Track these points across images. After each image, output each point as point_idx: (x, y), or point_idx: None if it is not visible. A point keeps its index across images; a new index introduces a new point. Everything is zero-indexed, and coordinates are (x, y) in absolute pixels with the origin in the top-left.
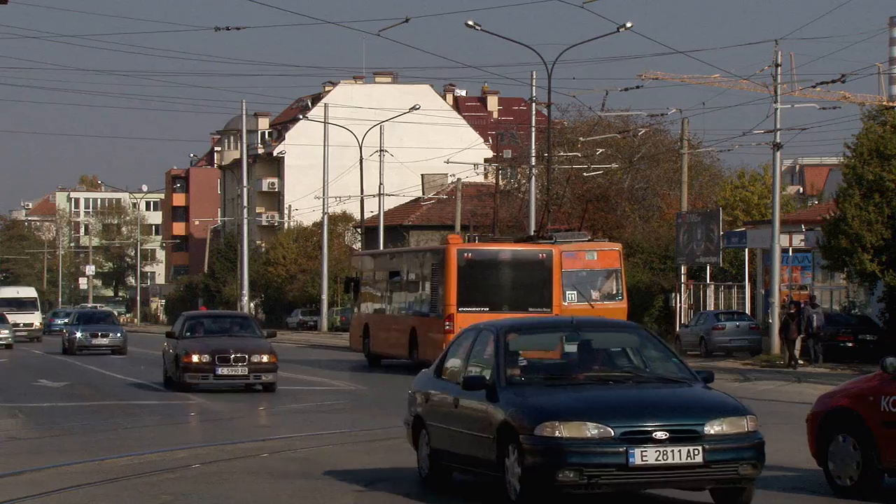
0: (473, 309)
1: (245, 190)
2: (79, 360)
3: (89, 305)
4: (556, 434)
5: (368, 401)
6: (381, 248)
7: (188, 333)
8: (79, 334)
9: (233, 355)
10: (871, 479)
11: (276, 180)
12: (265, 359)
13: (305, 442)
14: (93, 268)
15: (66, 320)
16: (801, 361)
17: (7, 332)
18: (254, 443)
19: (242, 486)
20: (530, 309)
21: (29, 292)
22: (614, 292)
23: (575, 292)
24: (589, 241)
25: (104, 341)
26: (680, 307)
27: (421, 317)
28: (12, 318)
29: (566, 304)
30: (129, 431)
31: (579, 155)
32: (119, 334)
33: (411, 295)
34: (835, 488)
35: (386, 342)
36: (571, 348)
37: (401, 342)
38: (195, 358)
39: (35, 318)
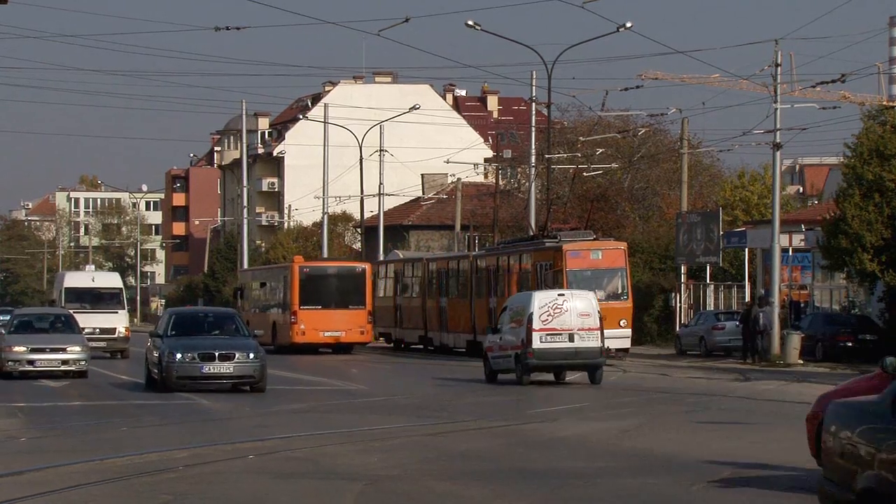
0: (311, 307)
1: (245, 190)
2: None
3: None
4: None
5: (368, 401)
6: (381, 249)
7: None
8: (179, 355)
9: None
10: None
11: (276, 180)
12: None
13: (305, 442)
14: (93, 267)
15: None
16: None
17: (78, 349)
18: (254, 443)
19: (242, 486)
20: (350, 306)
21: (109, 280)
22: (619, 291)
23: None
24: (594, 240)
25: (226, 368)
26: (680, 307)
27: (278, 314)
28: (84, 320)
29: None
30: (129, 431)
31: (579, 155)
32: (251, 354)
33: (273, 299)
34: None
35: None
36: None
37: (267, 332)
38: None
39: (119, 321)
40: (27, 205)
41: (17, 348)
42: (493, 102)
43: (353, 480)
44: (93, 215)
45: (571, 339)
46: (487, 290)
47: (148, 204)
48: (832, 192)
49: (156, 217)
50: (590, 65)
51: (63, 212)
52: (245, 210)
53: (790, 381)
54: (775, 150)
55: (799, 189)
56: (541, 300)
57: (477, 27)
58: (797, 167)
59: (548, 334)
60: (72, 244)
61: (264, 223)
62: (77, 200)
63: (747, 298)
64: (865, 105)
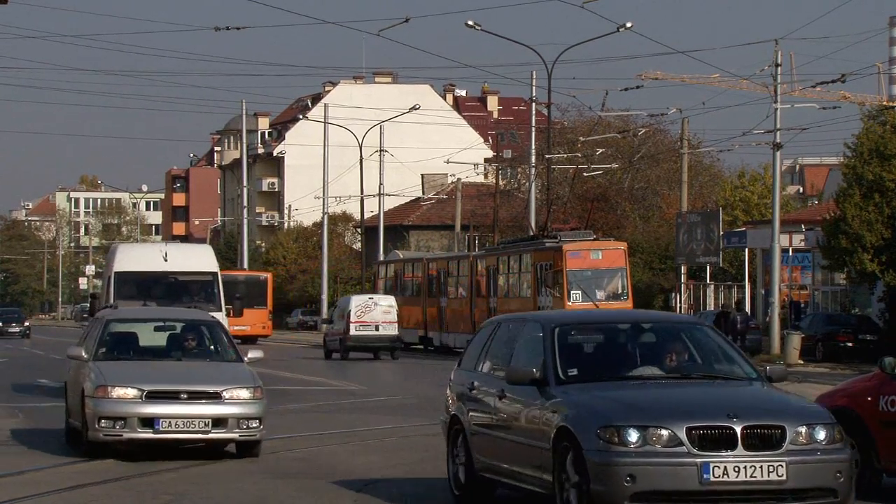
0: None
1: (245, 190)
2: None
3: None
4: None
5: (368, 401)
6: (381, 249)
7: None
8: (634, 435)
9: None
10: (870, 479)
11: (276, 180)
12: None
13: (305, 442)
14: (93, 267)
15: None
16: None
17: (246, 395)
18: None
19: (242, 486)
20: (255, 307)
21: (193, 258)
22: (619, 291)
23: (579, 291)
24: (594, 240)
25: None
26: (680, 307)
27: None
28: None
29: (570, 303)
30: None
31: (579, 155)
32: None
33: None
34: None
35: None
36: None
37: None
38: None
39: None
40: (27, 205)
41: (118, 392)
42: (493, 102)
43: (352, 480)
44: (93, 215)
45: (377, 328)
46: (487, 290)
47: (148, 204)
48: (832, 192)
49: (156, 217)
50: (590, 65)
51: (63, 212)
52: (245, 210)
53: (790, 381)
54: (775, 150)
55: (799, 189)
56: (356, 301)
57: (477, 27)
58: (797, 167)
59: (361, 325)
60: (72, 244)
61: (264, 223)
62: (77, 200)
63: (747, 301)
64: (865, 105)
